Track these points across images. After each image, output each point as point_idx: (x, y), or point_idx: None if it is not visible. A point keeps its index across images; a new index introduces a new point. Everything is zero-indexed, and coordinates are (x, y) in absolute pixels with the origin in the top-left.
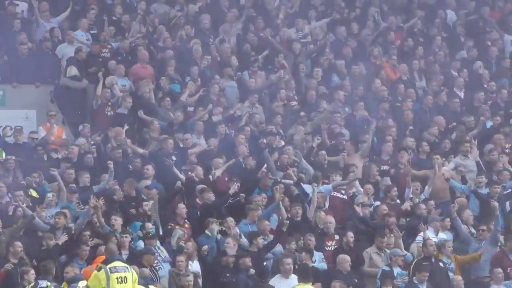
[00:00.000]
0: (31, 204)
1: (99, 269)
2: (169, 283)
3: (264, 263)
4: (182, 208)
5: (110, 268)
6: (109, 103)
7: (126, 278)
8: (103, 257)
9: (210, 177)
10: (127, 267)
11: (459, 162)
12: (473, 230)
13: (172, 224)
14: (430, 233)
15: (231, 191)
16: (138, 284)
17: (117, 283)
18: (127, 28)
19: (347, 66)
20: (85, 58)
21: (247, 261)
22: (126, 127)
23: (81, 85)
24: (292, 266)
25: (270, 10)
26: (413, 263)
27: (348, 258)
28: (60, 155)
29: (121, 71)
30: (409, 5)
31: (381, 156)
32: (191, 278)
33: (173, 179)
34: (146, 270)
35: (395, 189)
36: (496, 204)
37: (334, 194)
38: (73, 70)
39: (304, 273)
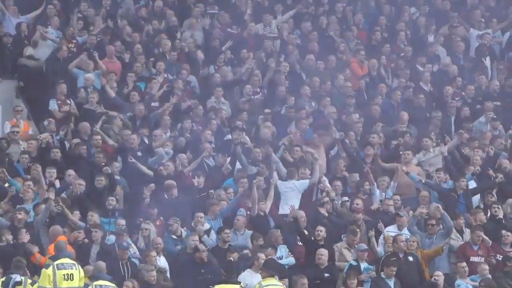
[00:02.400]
0: None
1: (47, 266)
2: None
3: (231, 258)
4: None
5: (57, 265)
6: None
7: (72, 275)
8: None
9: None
10: (75, 264)
11: (420, 157)
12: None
13: (141, 219)
14: (393, 228)
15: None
16: (103, 279)
17: (64, 280)
18: (92, 22)
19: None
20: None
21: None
22: (99, 123)
23: (38, 64)
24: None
25: (237, 6)
26: (382, 258)
27: (326, 252)
28: (20, 148)
29: (90, 66)
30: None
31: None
32: (154, 273)
33: (138, 174)
34: (102, 263)
35: (368, 183)
36: (437, 205)
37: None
38: (28, 51)
39: (270, 268)
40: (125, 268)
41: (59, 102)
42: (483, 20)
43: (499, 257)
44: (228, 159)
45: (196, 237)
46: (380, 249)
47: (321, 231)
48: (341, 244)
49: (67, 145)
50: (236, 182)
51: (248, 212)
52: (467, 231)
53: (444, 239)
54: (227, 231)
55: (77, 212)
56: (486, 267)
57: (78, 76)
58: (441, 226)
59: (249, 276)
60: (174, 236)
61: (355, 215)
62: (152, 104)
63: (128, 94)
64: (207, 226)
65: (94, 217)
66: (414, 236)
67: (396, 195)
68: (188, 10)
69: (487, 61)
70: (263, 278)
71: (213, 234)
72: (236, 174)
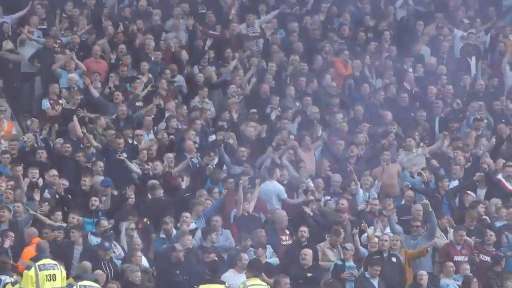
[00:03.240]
0: None
1: (29, 268)
2: (122, 278)
3: (215, 258)
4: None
5: (39, 266)
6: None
7: (55, 275)
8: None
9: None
10: (56, 264)
11: (403, 157)
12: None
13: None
14: (378, 228)
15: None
16: (88, 280)
17: (46, 280)
18: (76, 22)
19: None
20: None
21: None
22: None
23: (17, 57)
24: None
25: (221, 6)
26: (365, 257)
27: (310, 252)
28: (1, 147)
29: (71, 66)
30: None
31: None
32: (139, 273)
33: (125, 174)
34: (87, 263)
35: (353, 183)
36: (427, 202)
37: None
38: (9, 44)
39: (254, 268)
40: (107, 268)
41: (51, 101)
42: (467, 20)
43: (484, 257)
44: (216, 160)
45: (190, 237)
46: (363, 249)
47: (305, 231)
48: (324, 244)
49: (51, 145)
50: (215, 183)
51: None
52: (451, 231)
53: (428, 240)
54: (211, 231)
55: (59, 213)
56: (468, 266)
57: (61, 76)
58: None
59: (232, 276)
60: (162, 235)
61: (341, 215)
62: (137, 104)
63: (111, 94)
64: (193, 226)
65: (75, 218)
66: (399, 236)
67: (384, 195)
68: (171, 9)
69: (473, 61)
70: (247, 278)
71: (197, 234)
72: (211, 176)
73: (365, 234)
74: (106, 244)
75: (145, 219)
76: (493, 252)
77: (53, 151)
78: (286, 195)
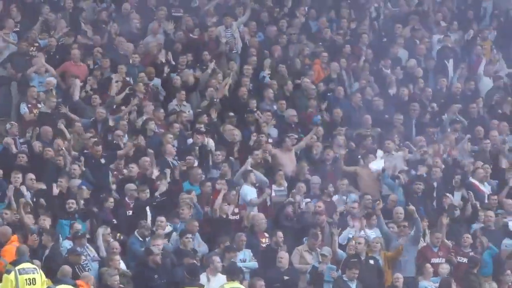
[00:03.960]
0: None
1: (8, 272)
2: (98, 282)
3: (194, 261)
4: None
5: (19, 270)
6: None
7: (35, 279)
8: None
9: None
10: (36, 268)
11: (384, 159)
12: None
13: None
14: (356, 229)
15: (160, 190)
16: (66, 284)
17: (26, 284)
18: (53, 26)
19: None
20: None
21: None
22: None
23: None
24: (220, 264)
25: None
26: (343, 260)
27: (287, 255)
28: None
29: (42, 69)
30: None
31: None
32: (117, 277)
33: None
34: (67, 267)
35: (331, 185)
36: (413, 207)
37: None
38: None
39: (232, 271)
40: (80, 272)
41: (29, 105)
42: (444, 23)
43: (461, 259)
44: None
45: (159, 241)
46: (340, 251)
47: (280, 236)
48: (302, 247)
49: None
50: (194, 185)
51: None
52: (428, 233)
53: (414, 244)
54: (188, 235)
55: (30, 216)
56: (446, 267)
57: (32, 80)
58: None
59: (205, 280)
60: (140, 238)
61: (318, 218)
62: (114, 107)
63: (89, 97)
64: (169, 229)
65: (46, 221)
66: (379, 238)
67: (367, 195)
68: (150, 13)
69: (450, 64)
70: (227, 281)
71: (173, 237)
72: (190, 176)
73: (343, 235)
74: (78, 249)
75: (118, 234)
76: (470, 254)
77: (34, 155)
78: (254, 197)
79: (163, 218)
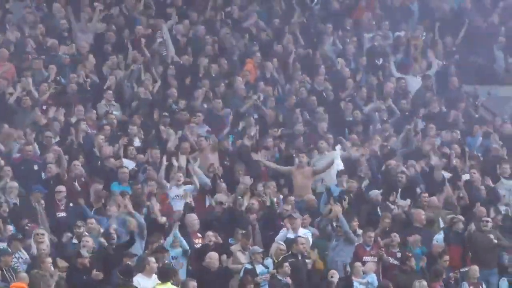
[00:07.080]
0: None
1: None
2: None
3: (128, 262)
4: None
5: None
6: None
7: None
8: None
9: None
10: None
11: (316, 159)
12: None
13: (30, 225)
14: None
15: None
16: None
17: None
18: None
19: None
20: None
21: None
22: None
23: None
24: (156, 265)
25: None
26: (277, 261)
27: (217, 255)
28: None
29: None
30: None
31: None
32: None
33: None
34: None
35: (261, 184)
36: (339, 208)
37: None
38: None
39: (164, 273)
40: (9, 274)
41: None
42: (373, 22)
43: (390, 259)
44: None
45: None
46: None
47: (211, 235)
48: (235, 246)
49: None
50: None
51: None
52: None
53: (350, 244)
54: (111, 231)
55: None
56: (373, 266)
57: None
58: None
59: (141, 281)
60: (74, 241)
61: (250, 216)
62: (44, 107)
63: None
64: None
65: None
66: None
67: (290, 196)
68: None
69: (380, 62)
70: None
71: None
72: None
73: (281, 234)
74: (8, 249)
75: None
76: (397, 253)
77: None
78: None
79: (93, 220)
